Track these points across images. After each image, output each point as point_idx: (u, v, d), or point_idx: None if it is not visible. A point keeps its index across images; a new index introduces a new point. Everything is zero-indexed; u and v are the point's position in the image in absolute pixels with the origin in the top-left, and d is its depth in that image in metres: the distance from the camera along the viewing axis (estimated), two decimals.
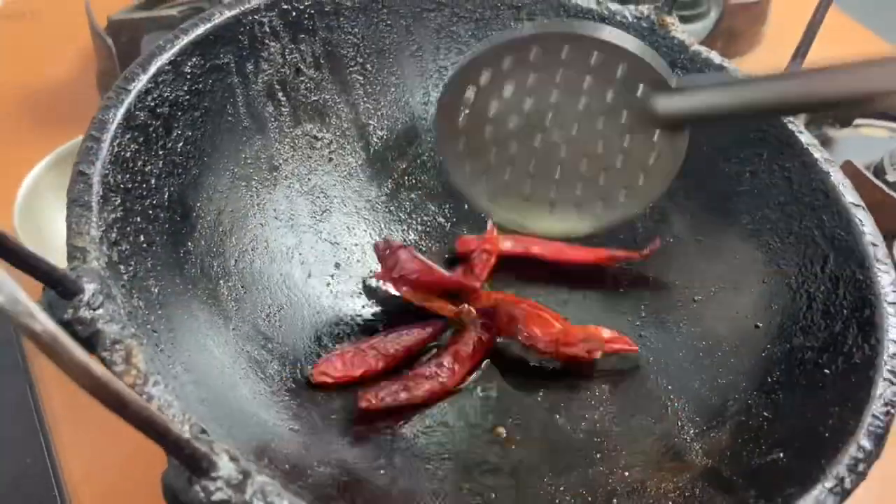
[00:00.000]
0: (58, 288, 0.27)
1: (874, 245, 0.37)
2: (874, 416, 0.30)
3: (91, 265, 0.28)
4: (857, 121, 0.71)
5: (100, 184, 0.32)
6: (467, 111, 0.35)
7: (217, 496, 0.23)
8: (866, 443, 0.29)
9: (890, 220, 0.55)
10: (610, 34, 0.33)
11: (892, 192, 0.55)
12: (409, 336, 0.40)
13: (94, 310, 0.27)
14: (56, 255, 0.42)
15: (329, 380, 0.37)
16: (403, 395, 0.38)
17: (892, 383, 0.32)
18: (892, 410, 0.31)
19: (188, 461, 0.23)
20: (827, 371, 0.34)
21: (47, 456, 0.42)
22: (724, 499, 0.31)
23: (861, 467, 0.29)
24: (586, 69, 0.33)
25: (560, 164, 0.36)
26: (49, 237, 0.46)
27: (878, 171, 0.64)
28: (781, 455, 0.32)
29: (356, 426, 0.37)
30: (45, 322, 0.18)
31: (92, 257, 0.29)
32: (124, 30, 0.58)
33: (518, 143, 0.36)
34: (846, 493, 0.28)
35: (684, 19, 0.80)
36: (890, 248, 0.56)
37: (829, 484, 0.28)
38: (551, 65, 0.34)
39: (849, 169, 0.57)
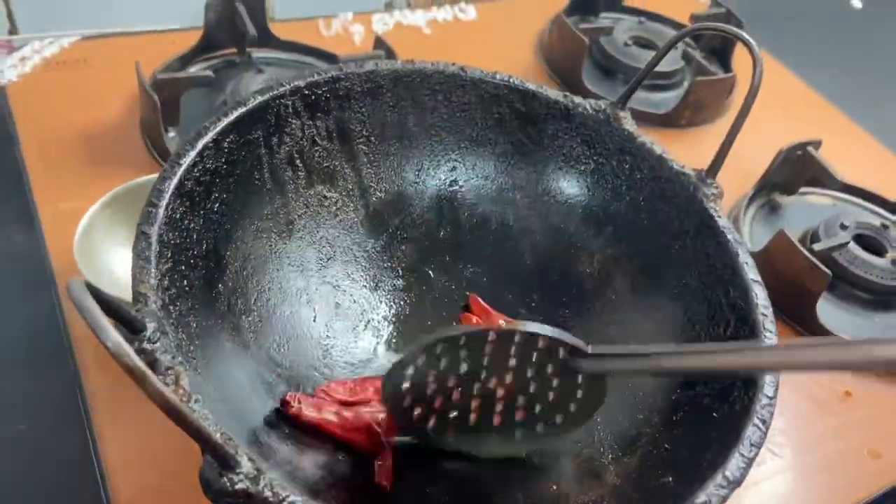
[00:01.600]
0: (128, 326, 0.36)
1: (763, 315, 0.46)
2: (741, 453, 0.40)
3: (151, 307, 0.38)
4: (803, 189, 0.80)
5: (157, 241, 0.41)
6: (409, 382, 0.42)
7: (239, 486, 0.32)
8: (730, 474, 0.39)
9: (814, 283, 0.65)
10: (529, 327, 0.40)
11: (815, 261, 0.65)
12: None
13: (153, 343, 0.36)
14: (103, 282, 0.52)
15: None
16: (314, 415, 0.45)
17: (759, 428, 0.41)
18: (756, 450, 0.40)
19: (220, 460, 0.32)
20: (715, 414, 0.44)
21: (91, 446, 0.51)
22: None
23: (723, 492, 0.38)
24: (511, 345, 0.41)
25: (498, 401, 0.43)
26: (100, 267, 0.56)
27: (815, 237, 0.73)
28: (670, 479, 0.41)
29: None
30: (138, 363, 0.28)
31: (151, 301, 0.38)
32: (167, 87, 0.68)
33: (460, 392, 0.43)
34: None
35: (660, 88, 0.90)
36: (813, 307, 0.66)
37: (697, 502, 0.37)
38: (479, 347, 0.41)
39: (782, 238, 0.67)
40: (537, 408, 0.43)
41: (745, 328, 0.46)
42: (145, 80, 0.67)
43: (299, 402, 0.45)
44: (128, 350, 0.28)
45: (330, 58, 0.81)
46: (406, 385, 0.42)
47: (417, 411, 0.43)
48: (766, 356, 0.37)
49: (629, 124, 0.56)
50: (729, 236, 0.50)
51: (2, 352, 0.57)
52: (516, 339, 0.41)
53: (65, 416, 0.54)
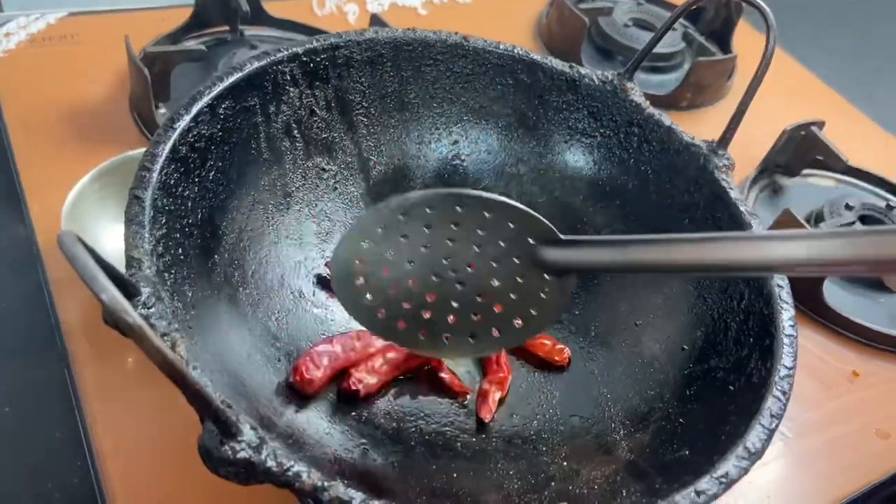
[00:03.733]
0: (122, 290, 0.34)
1: (779, 287, 0.45)
2: (761, 424, 0.38)
3: (145, 273, 0.36)
4: (805, 170, 0.79)
5: (150, 206, 0.39)
6: (363, 258, 0.38)
7: (241, 454, 0.30)
8: (751, 445, 0.37)
9: None
10: (500, 198, 0.38)
11: None
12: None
13: (149, 308, 0.34)
14: None
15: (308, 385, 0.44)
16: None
17: (779, 399, 0.39)
18: (777, 421, 0.39)
19: (221, 427, 0.30)
20: (731, 388, 0.42)
21: (82, 430, 0.49)
22: (637, 485, 0.39)
23: (745, 464, 0.37)
24: (477, 222, 0.38)
25: (457, 297, 0.39)
26: (91, 242, 0.53)
27: (819, 217, 0.72)
28: (687, 452, 0.40)
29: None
30: (135, 317, 0.26)
31: (145, 266, 0.36)
32: (158, 61, 0.65)
33: (415, 281, 0.39)
34: (731, 483, 0.36)
35: (660, 70, 0.89)
36: (820, 287, 0.65)
37: (716, 474, 0.36)
38: (444, 218, 0.38)
39: (787, 217, 0.66)
40: (496, 308, 0.39)
41: (760, 300, 0.45)
42: (134, 55, 0.65)
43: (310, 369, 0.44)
44: (125, 304, 0.26)
45: None
46: (359, 259, 0.38)
47: (368, 298, 0.39)
48: (767, 246, 0.32)
49: (637, 95, 0.54)
50: (742, 207, 0.49)
51: None
52: (486, 215, 0.37)
53: (52, 399, 0.52)
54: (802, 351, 0.64)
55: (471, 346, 0.40)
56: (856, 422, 0.60)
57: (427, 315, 0.40)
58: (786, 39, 1.02)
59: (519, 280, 0.38)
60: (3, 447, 0.49)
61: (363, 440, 0.42)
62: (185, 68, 0.70)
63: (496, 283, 0.39)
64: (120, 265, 0.48)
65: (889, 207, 0.73)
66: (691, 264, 0.35)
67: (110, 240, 0.56)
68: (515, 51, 0.55)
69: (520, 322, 0.39)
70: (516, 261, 0.38)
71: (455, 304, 0.39)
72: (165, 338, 0.34)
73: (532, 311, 0.39)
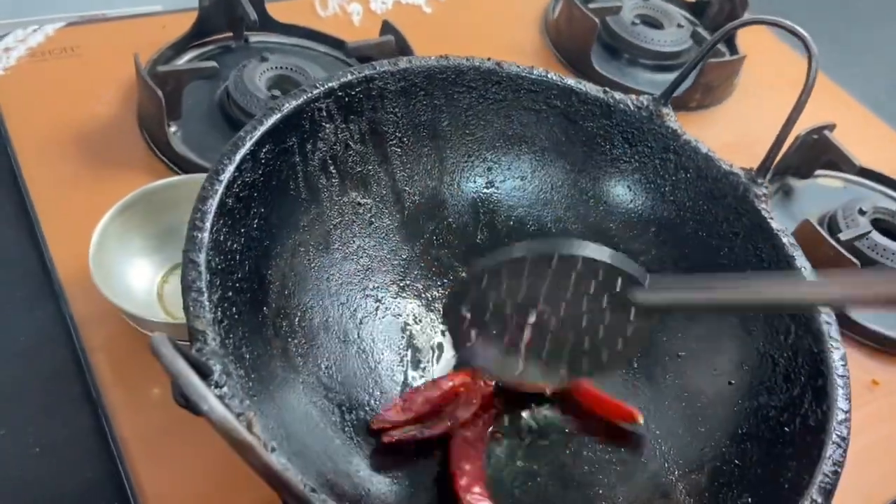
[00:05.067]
0: (195, 370, 0.33)
1: (828, 324, 0.45)
2: (825, 473, 0.39)
3: (211, 346, 0.35)
4: (817, 171, 0.79)
5: (206, 269, 0.38)
6: (469, 304, 0.43)
7: None
8: (817, 497, 0.38)
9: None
10: (592, 251, 0.40)
11: (843, 250, 0.64)
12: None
13: (221, 388, 0.33)
14: (120, 296, 0.49)
15: (388, 426, 0.45)
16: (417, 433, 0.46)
17: (839, 446, 0.40)
18: (839, 470, 0.39)
19: None
20: (787, 429, 0.43)
21: (119, 463, 0.48)
22: None
23: None
24: (570, 273, 0.41)
25: (551, 334, 0.43)
26: (115, 281, 0.52)
27: (833, 223, 0.73)
28: (750, 500, 0.40)
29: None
30: (244, 434, 0.26)
31: (210, 338, 0.35)
32: (170, 80, 0.63)
33: (514, 322, 0.43)
34: None
35: (667, 69, 0.88)
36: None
37: None
38: (540, 272, 0.41)
39: (807, 227, 0.66)
40: (586, 342, 0.43)
41: (809, 336, 0.45)
42: (146, 75, 0.62)
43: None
44: (234, 423, 0.25)
45: (335, 42, 0.77)
46: (466, 306, 0.43)
47: (473, 334, 0.44)
48: (837, 287, 0.35)
49: (672, 121, 0.54)
50: (784, 239, 0.49)
51: (5, 365, 0.53)
52: (578, 266, 0.40)
53: (82, 435, 0.51)
54: None
55: (564, 377, 0.45)
56: (877, 433, 0.62)
57: (524, 351, 0.44)
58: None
59: (606, 320, 0.42)
60: (34, 487, 0.49)
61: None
62: (200, 85, 0.68)
63: (586, 321, 0.42)
64: (145, 299, 0.47)
65: None
66: (769, 303, 0.39)
67: (135, 276, 0.55)
68: (549, 76, 0.54)
69: (607, 356, 0.43)
70: (604, 304, 0.41)
71: (549, 340, 0.43)
72: (241, 417, 0.33)
73: (617, 347, 0.42)
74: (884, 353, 0.66)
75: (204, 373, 0.33)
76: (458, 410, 0.47)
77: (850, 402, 0.42)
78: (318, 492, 0.32)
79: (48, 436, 0.50)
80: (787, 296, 0.37)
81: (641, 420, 0.48)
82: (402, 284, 0.53)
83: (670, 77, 0.87)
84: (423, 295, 0.53)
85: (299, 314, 0.46)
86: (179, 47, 0.73)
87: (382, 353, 0.49)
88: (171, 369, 0.27)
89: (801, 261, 0.48)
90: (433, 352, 0.52)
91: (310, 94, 0.48)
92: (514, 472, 0.46)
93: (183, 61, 0.72)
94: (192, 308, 0.36)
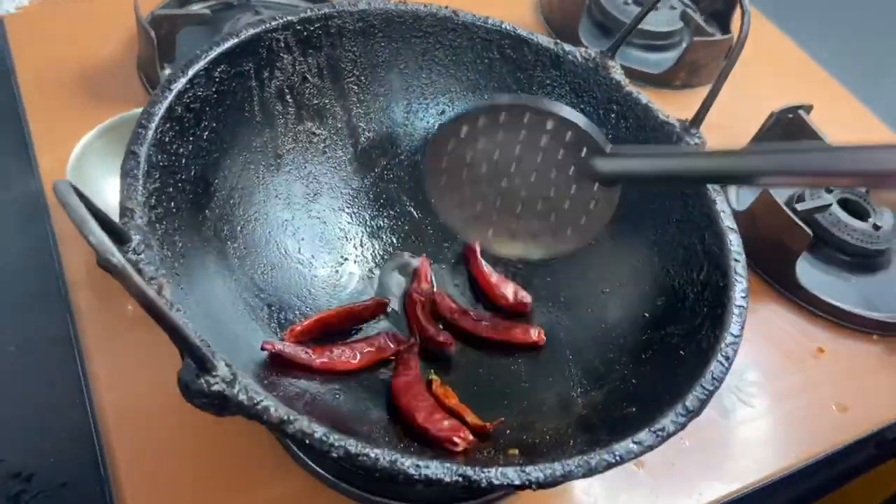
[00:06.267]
0: (113, 236, 0.37)
1: (736, 261, 0.47)
2: (702, 386, 0.41)
3: (137, 222, 0.39)
4: None
5: (145, 161, 0.42)
6: (448, 157, 0.44)
7: (215, 388, 0.34)
8: (690, 404, 0.40)
9: (795, 242, 0.66)
10: (562, 110, 0.42)
11: (797, 220, 0.66)
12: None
13: (139, 254, 0.37)
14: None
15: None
16: (304, 356, 0.46)
17: (722, 364, 0.42)
18: (718, 384, 0.42)
19: (198, 361, 0.34)
20: (682, 353, 0.45)
21: (80, 367, 0.53)
22: (584, 436, 0.42)
23: (682, 420, 0.39)
24: (543, 132, 0.42)
25: (521, 202, 0.45)
26: (93, 194, 0.56)
27: (800, 198, 0.74)
28: (634, 409, 0.43)
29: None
30: (119, 257, 0.29)
31: (137, 216, 0.39)
32: (164, 23, 0.68)
33: (488, 183, 0.45)
34: (667, 436, 0.39)
35: (657, 48, 0.90)
36: (792, 266, 0.67)
37: (654, 428, 0.39)
38: (516, 126, 0.43)
39: (765, 197, 0.68)
40: (552, 216, 0.44)
41: (718, 272, 0.47)
42: (142, 16, 0.67)
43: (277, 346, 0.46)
44: (111, 247, 0.29)
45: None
46: (447, 149, 0.44)
47: (449, 194, 0.46)
48: (769, 158, 0.38)
49: (617, 74, 0.57)
50: (707, 185, 0.51)
51: None
52: (548, 125, 0.42)
53: (54, 341, 0.55)
54: (771, 325, 0.67)
55: (530, 246, 0.46)
56: (816, 395, 0.63)
57: (495, 217, 0.45)
58: (789, 20, 1.03)
59: (573, 190, 0.43)
60: (9, 383, 0.53)
61: (335, 384, 0.46)
62: (191, 31, 0.73)
63: (553, 192, 0.44)
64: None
65: (869, 192, 0.75)
66: (710, 173, 0.41)
67: (113, 194, 0.59)
68: (503, 26, 0.57)
69: (571, 230, 0.45)
70: (572, 170, 0.43)
71: (519, 209, 0.45)
72: (152, 282, 0.37)
73: (581, 222, 0.44)
74: (833, 324, 0.68)
75: (122, 239, 0.37)
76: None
77: (742, 329, 0.44)
78: (211, 347, 0.35)
79: (25, 339, 0.55)
80: (734, 166, 0.39)
81: (543, 339, 0.52)
82: (349, 211, 0.56)
83: (660, 56, 0.90)
84: (369, 223, 0.57)
85: (242, 223, 0.50)
86: (183, 1, 0.78)
87: (318, 271, 0.53)
88: (73, 216, 0.31)
89: (722, 205, 0.50)
90: (368, 278, 0.55)
91: (268, 25, 0.51)
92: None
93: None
94: (125, 191, 0.40)
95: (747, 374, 0.63)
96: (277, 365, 0.45)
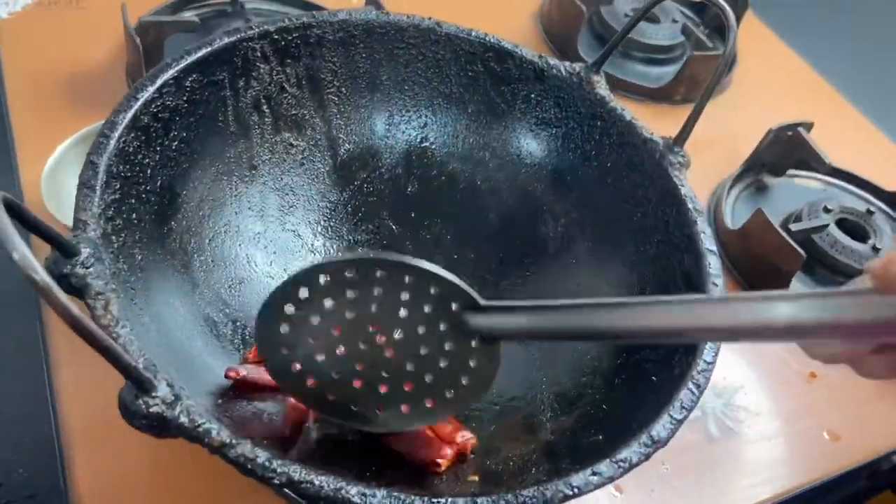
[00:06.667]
0: (60, 249, 0.37)
1: (714, 284, 0.46)
2: (670, 415, 0.40)
3: (89, 234, 0.38)
4: (791, 170, 0.79)
5: (104, 172, 0.41)
6: (288, 324, 0.38)
7: (154, 409, 0.33)
8: (656, 433, 0.39)
9: (787, 263, 0.65)
10: (419, 262, 0.37)
11: (789, 240, 0.64)
12: None
13: (87, 268, 0.36)
14: (68, 216, 0.52)
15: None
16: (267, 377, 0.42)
17: (692, 392, 0.41)
18: (687, 412, 0.40)
19: (135, 382, 0.33)
20: (654, 378, 0.44)
21: (47, 381, 0.52)
22: (546, 464, 0.40)
23: (646, 451, 0.38)
24: (402, 287, 0.37)
25: (388, 366, 0.39)
26: (67, 203, 0.56)
27: (797, 218, 0.72)
28: (600, 437, 0.41)
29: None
30: (42, 275, 0.28)
31: (90, 228, 0.38)
32: (151, 30, 0.68)
33: (343, 348, 0.39)
34: (630, 467, 0.37)
35: (657, 62, 0.89)
36: (786, 286, 0.66)
37: (616, 458, 0.37)
38: (368, 283, 0.37)
39: (758, 216, 0.66)
40: (427, 377, 0.39)
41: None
42: (129, 23, 0.67)
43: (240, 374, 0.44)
44: (34, 263, 0.28)
45: None
46: (284, 327, 0.38)
47: (297, 367, 0.39)
48: (692, 315, 0.34)
49: (602, 88, 0.55)
50: (689, 205, 0.49)
51: None
52: (406, 279, 0.37)
53: (27, 350, 0.55)
54: (762, 348, 0.65)
55: (404, 418, 0.40)
56: (808, 422, 0.61)
57: (358, 385, 0.39)
58: (797, 35, 1.01)
59: (447, 347, 0.38)
60: None
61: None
62: (181, 39, 0.72)
63: (424, 350, 0.38)
64: None
65: (869, 212, 0.73)
66: (612, 331, 0.36)
67: None
68: (487, 38, 0.56)
69: (451, 393, 0.39)
70: (442, 327, 0.38)
71: (385, 374, 0.39)
72: (100, 297, 0.36)
73: (462, 381, 0.39)
74: None
75: (69, 252, 0.37)
76: None
77: (716, 355, 0.42)
78: (156, 366, 0.34)
79: None
80: (637, 325, 0.35)
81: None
82: (325, 225, 0.55)
83: (661, 70, 0.89)
84: (346, 237, 0.56)
85: (211, 235, 0.49)
86: (176, 7, 0.77)
87: None
88: None
89: (703, 226, 0.49)
90: None
91: (243, 34, 0.51)
92: None
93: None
94: (80, 202, 0.40)
95: (736, 398, 0.61)
96: (240, 386, 0.44)
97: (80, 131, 0.58)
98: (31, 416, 0.52)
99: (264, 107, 0.53)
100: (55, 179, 0.56)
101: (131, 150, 0.44)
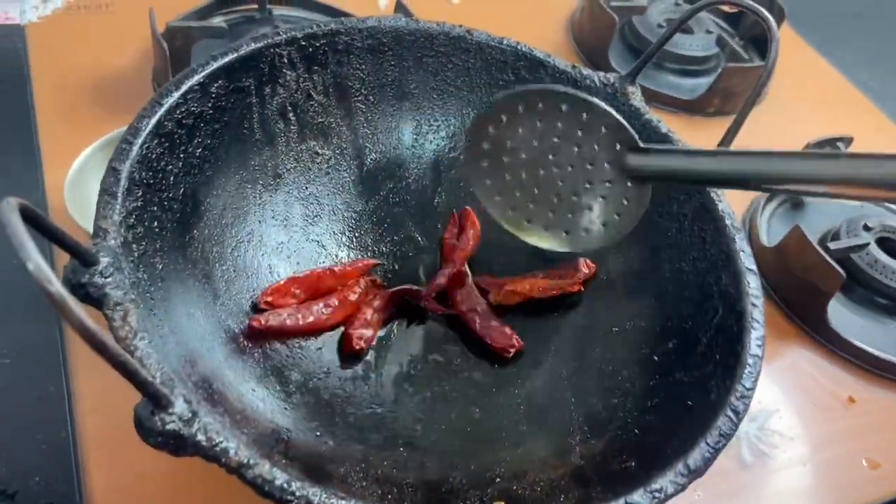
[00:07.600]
0: (79, 258, 0.36)
1: (754, 305, 0.44)
2: (707, 443, 0.38)
3: (109, 243, 0.37)
4: None
5: (126, 178, 0.40)
6: (489, 141, 0.45)
7: (170, 426, 0.32)
8: (692, 462, 0.37)
9: (826, 283, 0.62)
10: (595, 100, 0.43)
11: (829, 259, 0.62)
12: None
13: (106, 278, 0.35)
14: (87, 223, 0.51)
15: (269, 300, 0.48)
16: (289, 321, 0.48)
17: (731, 420, 0.39)
18: (725, 441, 0.38)
19: (152, 398, 0.31)
20: (690, 402, 0.42)
21: (65, 387, 0.51)
22: (576, 490, 0.39)
23: (682, 481, 0.36)
24: (578, 123, 0.44)
25: (557, 194, 0.46)
26: (91, 209, 0.55)
27: (835, 236, 0.70)
28: (633, 464, 0.40)
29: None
30: (56, 286, 0.27)
31: (111, 237, 0.37)
32: (179, 35, 0.67)
33: (526, 172, 0.46)
34: (665, 498, 0.36)
35: (692, 73, 0.87)
36: (824, 309, 0.63)
37: (651, 488, 0.36)
38: (553, 115, 0.44)
39: (796, 234, 0.64)
40: (587, 208, 0.45)
41: (733, 317, 0.44)
42: (156, 28, 0.66)
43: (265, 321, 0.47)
44: (49, 274, 0.27)
45: None
46: (486, 142, 0.45)
47: (488, 182, 0.47)
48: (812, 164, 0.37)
49: (637, 100, 0.54)
50: (727, 221, 0.48)
51: None
52: (584, 116, 0.43)
53: (47, 355, 0.54)
54: (798, 371, 0.63)
55: (564, 240, 0.47)
56: (845, 448, 0.59)
57: (532, 206, 0.46)
58: (836, 48, 0.99)
59: (607, 185, 0.44)
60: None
61: (315, 422, 0.43)
62: (209, 45, 0.72)
63: (588, 185, 0.45)
64: None
65: None
66: (758, 176, 0.39)
67: None
68: (519, 47, 0.55)
69: (603, 227, 0.46)
70: (607, 165, 0.44)
71: (555, 200, 0.46)
72: (118, 307, 0.35)
73: (615, 217, 0.45)
74: (864, 370, 0.63)
75: (88, 261, 0.36)
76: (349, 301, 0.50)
77: (755, 381, 0.40)
78: (174, 381, 0.33)
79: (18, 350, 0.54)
80: (780, 169, 0.38)
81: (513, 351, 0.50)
82: (350, 235, 0.54)
83: (695, 82, 0.87)
84: (371, 248, 0.55)
85: (234, 244, 0.48)
86: (204, 13, 0.76)
87: None
88: (13, 239, 0.29)
89: (742, 244, 0.47)
90: None
91: (271, 40, 0.50)
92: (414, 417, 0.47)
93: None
94: (101, 209, 0.39)
95: (770, 423, 0.59)
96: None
97: (105, 136, 0.57)
98: (48, 422, 0.52)
99: (290, 114, 0.52)
100: (79, 184, 0.55)
101: (154, 156, 0.43)
